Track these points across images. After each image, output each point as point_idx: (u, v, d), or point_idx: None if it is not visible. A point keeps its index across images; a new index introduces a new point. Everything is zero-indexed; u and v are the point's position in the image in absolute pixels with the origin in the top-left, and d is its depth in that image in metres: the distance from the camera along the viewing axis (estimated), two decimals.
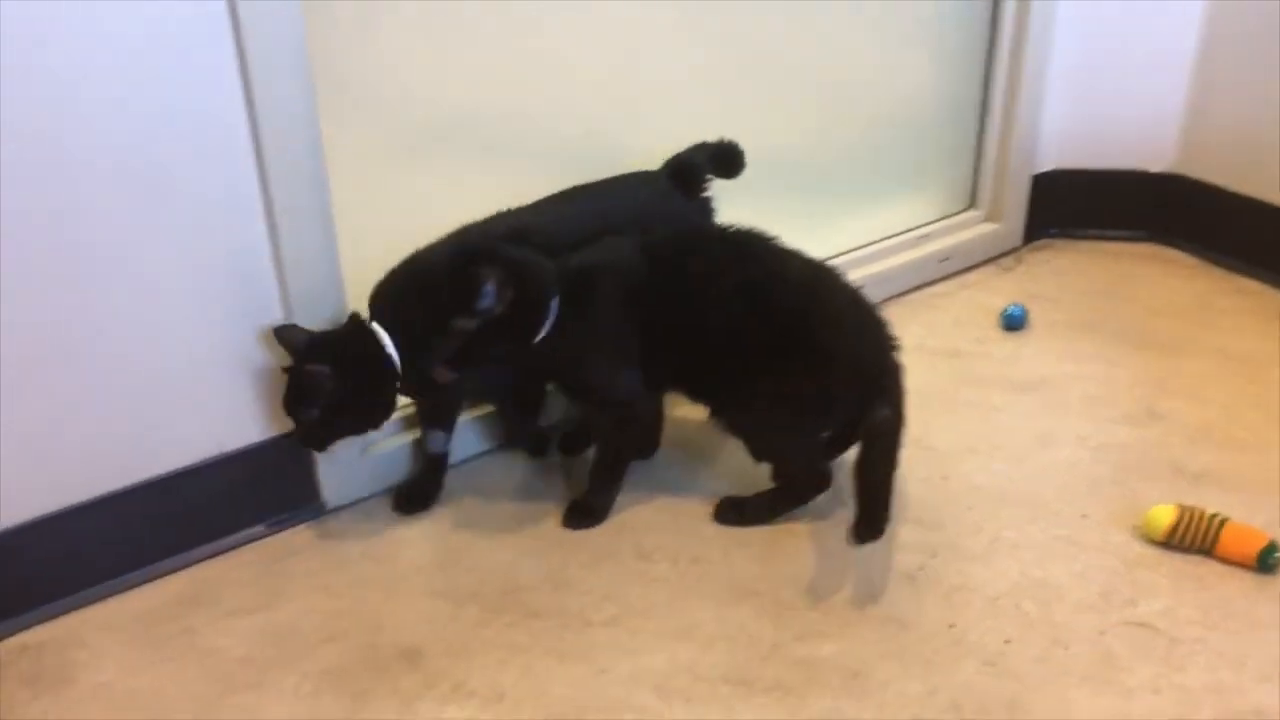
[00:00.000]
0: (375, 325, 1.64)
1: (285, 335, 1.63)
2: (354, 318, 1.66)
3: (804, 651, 1.51)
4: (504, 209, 1.73)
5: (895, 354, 1.69)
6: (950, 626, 1.54)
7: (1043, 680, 1.45)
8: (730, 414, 1.70)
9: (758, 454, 1.75)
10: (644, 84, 2.03)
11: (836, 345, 1.63)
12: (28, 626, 1.59)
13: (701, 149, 1.90)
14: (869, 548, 1.68)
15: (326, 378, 1.59)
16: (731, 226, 1.70)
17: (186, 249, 1.56)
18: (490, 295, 1.52)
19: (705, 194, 1.91)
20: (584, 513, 1.78)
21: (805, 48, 2.23)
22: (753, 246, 1.68)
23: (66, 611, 1.61)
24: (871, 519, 1.60)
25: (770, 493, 1.77)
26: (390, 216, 1.79)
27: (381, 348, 1.62)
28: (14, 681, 1.50)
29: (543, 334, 1.59)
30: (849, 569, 1.66)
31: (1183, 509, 1.66)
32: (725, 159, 1.90)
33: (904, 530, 1.73)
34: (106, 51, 1.41)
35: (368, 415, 1.68)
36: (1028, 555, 1.67)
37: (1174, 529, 1.66)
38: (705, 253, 1.67)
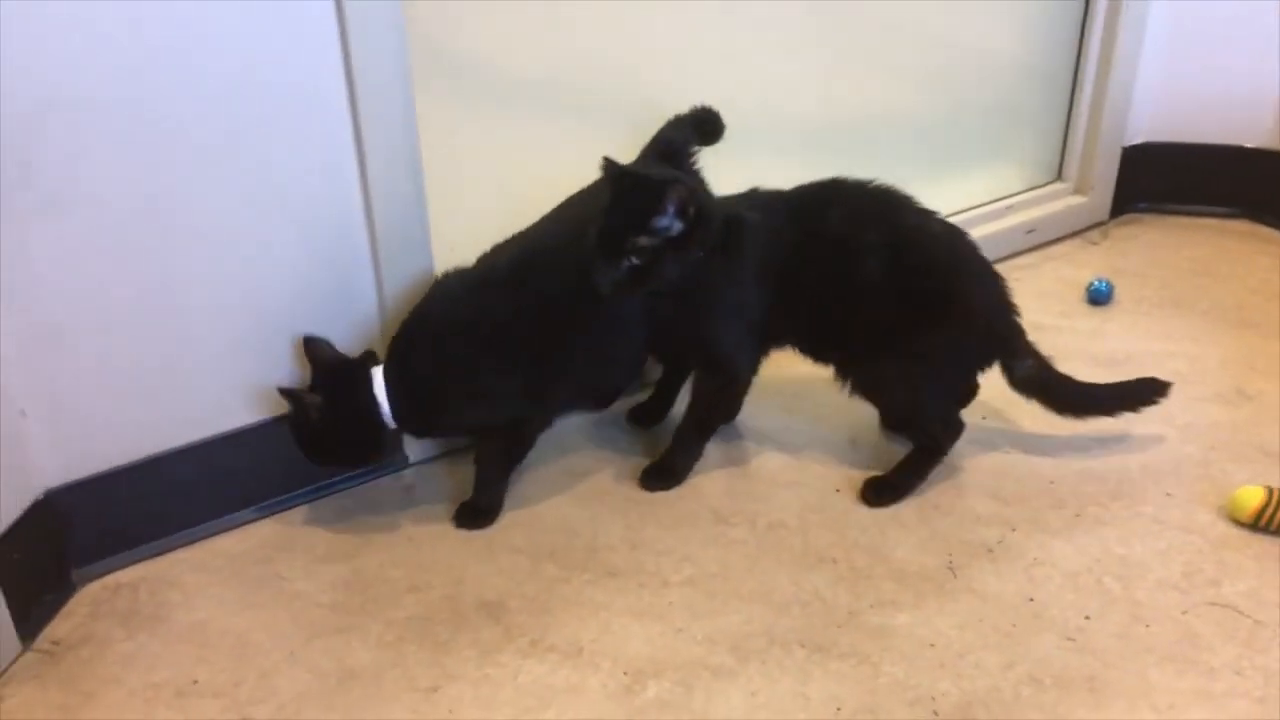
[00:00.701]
0: (376, 372, 1.63)
1: (312, 349, 1.65)
2: (365, 355, 1.68)
3: (879, 620, 1.52)
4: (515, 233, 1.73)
5: (1017, 315, 1.73)
6: (1029, 600, 1.54)
7: (1123, 657, 1.44)
8: (866, 372, 1.71)
9: (894, 418, 1.78)
10: (730, 49, 2.02)
11: (975, 298, 1.68)
12: (123, 566, 1.65)
13: (677, 124, 1.83)
14: (946, 521, 1.68)
15: (314, 409, 1.61)
16: (871, 182, 1.70)
17: (283, 205, 1.60)
18: (671, 214, 1.54)
19: (695, 167, 1.84)
20: (663, 474, 1.79)
21: (893, 13, 2.20)
22: (894, 202, 1.69)
23: (161, 553, 1.67)
24: (1129, 395, 1.76)
25: (911, 459, 1.77)
26: (477, 172, 1.82)
27: (372, 395, 1.63)
28: (110, 618, 1.56)
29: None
30: (925, 539, 1.65)
31: (1270, 491, 1.64)
32: (704, 127, 1.83)
33: (982, 503, 1.72)
34: (213, 13, 1.44)
35: (352, 453, 1.70)
36: (1110, 532, 1.65)
37: (1261, 510, 1.63)
38: (848, 207, 1.68)
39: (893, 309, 1.65)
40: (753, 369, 1.81)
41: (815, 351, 1.75)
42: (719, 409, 1.83)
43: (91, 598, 1.60)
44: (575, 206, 1.75)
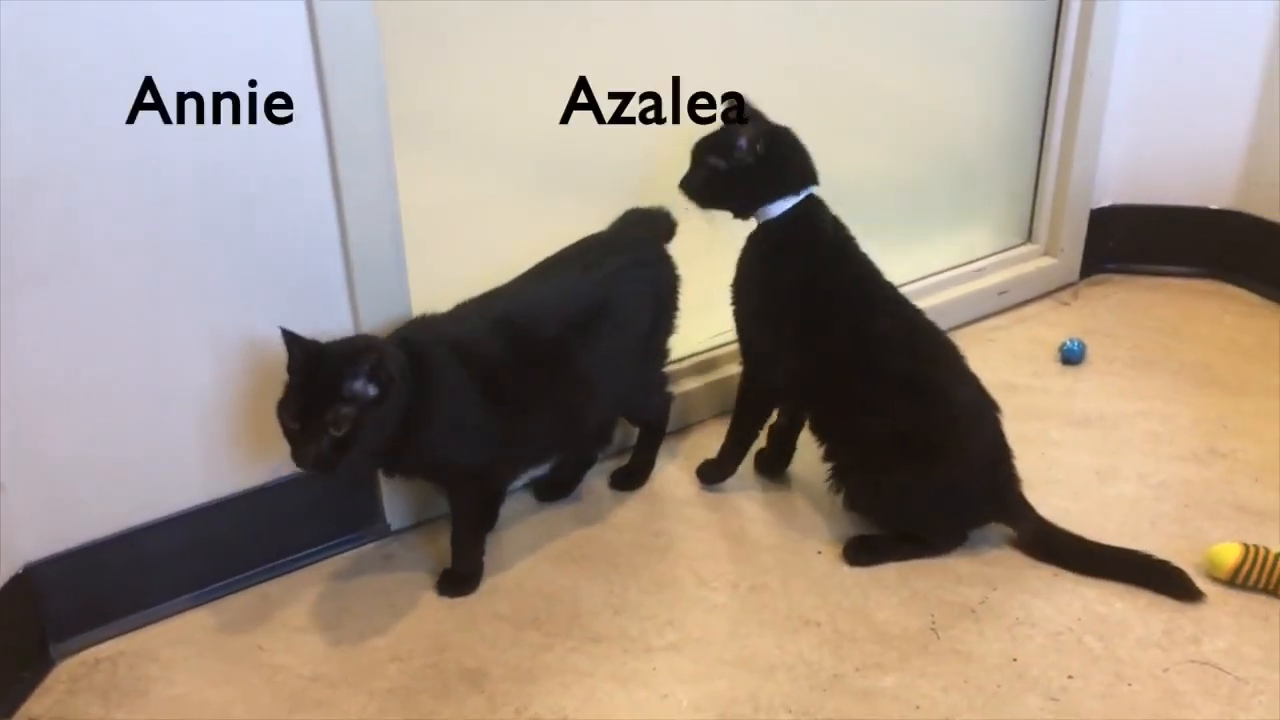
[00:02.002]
0: None
1: (292, 339, 1.51)
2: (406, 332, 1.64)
3: (864, 683, 1.52)
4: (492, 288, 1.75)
5: (1018, 486, 1.75)
6: (1013, 660, 1.54)
7: (1106, 717, 1.45)
8: (862, 484, 1.77)
9: (888, 523, 1.80)
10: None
11: (976, 464, 1.72)
12: (102, 640, 1.63)
13: (635, 220, 1.88)
14: (927, 582, 1.69)
15: (390, 375, 1.49)
16: (940, 331, 1.81)
17: (266, 273, 1.61)
18: (742, 146, 1.75)
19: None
20: (714, 466, 1.93)
21: (863, 79, 2.25)
22: (947, 362, 1.76)
23: (139, 626, 1.65)
24: (1163, 575, 1.66)
25: (906, 536, 1.78)
26: (454, 232, 1.85)
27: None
28: (88, 694, 1.54)
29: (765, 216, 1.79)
30: (907, 600, 1.66)
31: (1247, 547, 1.65)
32: (660, 226, 1.87)
33: (963, 563, 1.73)
34: (201, 66, 1.46)
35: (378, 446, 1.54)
36: (1090, 591, 1.66)
37: (1238, 567, 1.65)
38: (904, 337, 1.76)
39: (895, 441, 1.70)
40: (774, 376, 1.85)
41: (819, 422, 1.80)
42: (743, 403, 1.91)
43: (69, 673, 1.57)
44: (554, 267, 1.77)
